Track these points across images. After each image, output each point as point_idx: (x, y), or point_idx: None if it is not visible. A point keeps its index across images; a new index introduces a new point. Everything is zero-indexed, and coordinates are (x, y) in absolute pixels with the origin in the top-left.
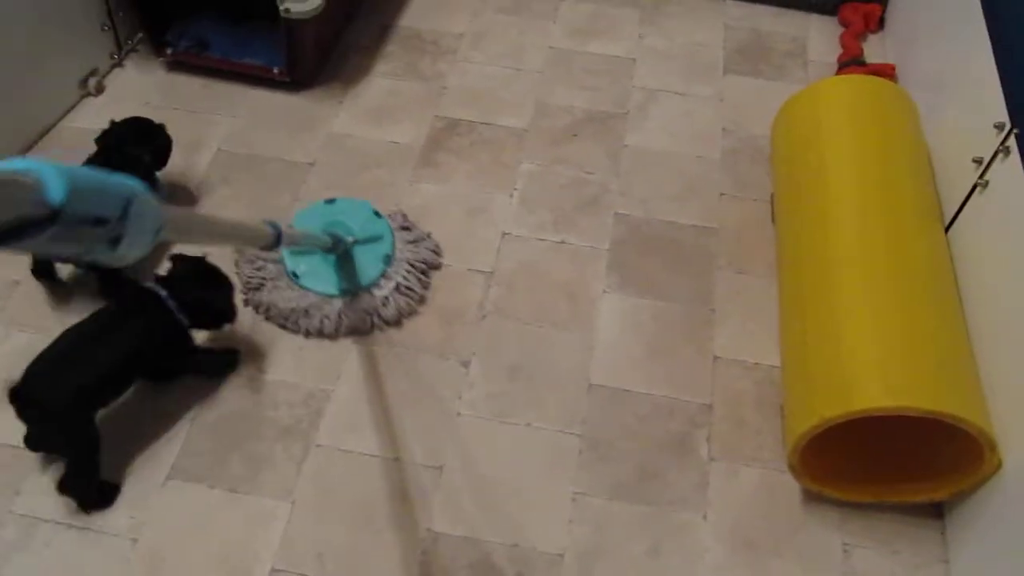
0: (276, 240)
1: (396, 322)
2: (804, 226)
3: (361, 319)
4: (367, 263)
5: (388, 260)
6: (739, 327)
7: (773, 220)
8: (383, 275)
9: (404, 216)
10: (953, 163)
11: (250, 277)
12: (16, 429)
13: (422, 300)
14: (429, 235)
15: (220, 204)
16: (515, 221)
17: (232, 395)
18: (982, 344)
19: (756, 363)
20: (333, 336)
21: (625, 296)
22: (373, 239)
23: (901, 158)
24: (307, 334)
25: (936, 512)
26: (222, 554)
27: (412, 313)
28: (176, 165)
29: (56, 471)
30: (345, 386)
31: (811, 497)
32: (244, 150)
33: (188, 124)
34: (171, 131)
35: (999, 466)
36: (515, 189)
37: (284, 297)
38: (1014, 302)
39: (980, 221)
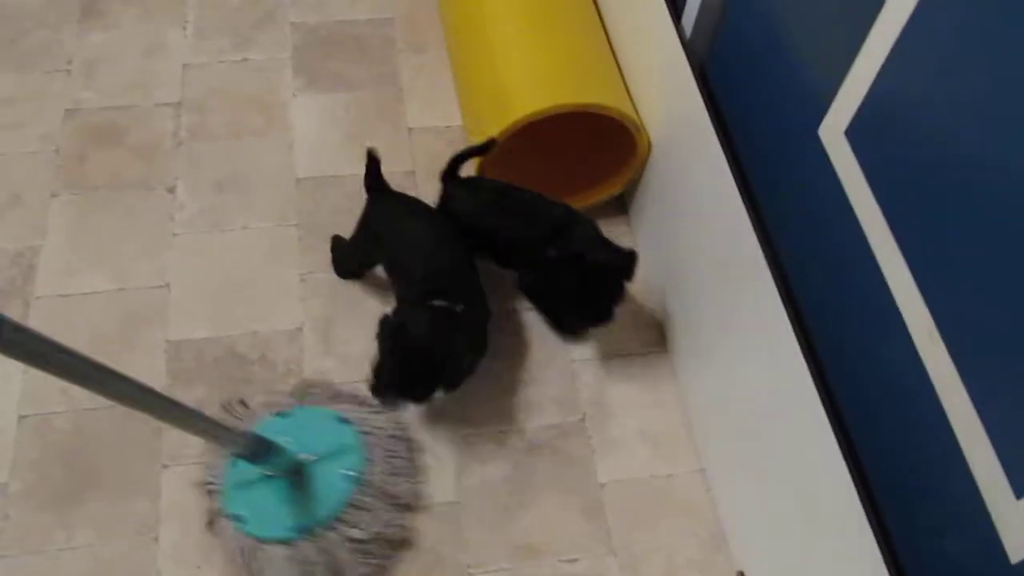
0: None
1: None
2: None
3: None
4: (328, 486)
5: (356, 480)
6: (426, 100)
7: None
8: (350, 502)
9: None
10: None
11: None
12: None
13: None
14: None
15: None
16: (193, 51)
17: None
18: (622, 48)
19: (447, 126)
20: None
21: (315, 95)
22: (336, 453)
23: None
24: None
25: (622, 208)
26: None
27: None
28: None
29: None
30: (54, 239)
31: None
32: None
33: None
34: None
35: (650, 148)
36: (187, 22)
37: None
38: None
39: None
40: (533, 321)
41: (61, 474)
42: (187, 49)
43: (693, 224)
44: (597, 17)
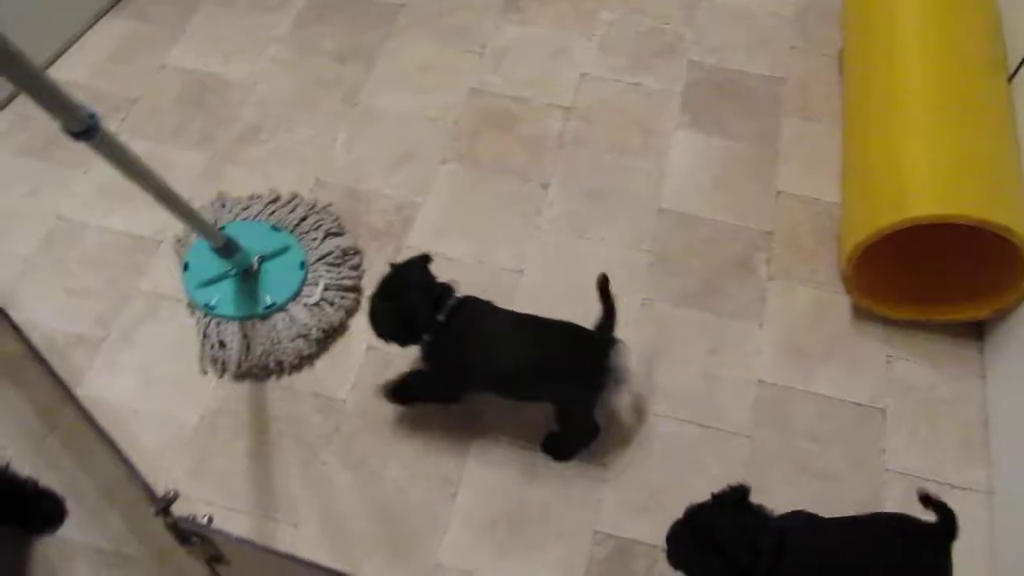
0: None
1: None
2: (871, 63)
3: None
4: (281, 277)
5: (304, 266)
6: (802, 167)
7: (841, 73)
8: (305, 283)
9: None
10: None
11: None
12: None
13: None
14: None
15: (315, 39)
16: (594, 63)
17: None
18: None
19: (816, 198)
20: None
21: (696, 134)
22: (280, 251)
23: (970, 9)
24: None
25: (976, 333)
26: None
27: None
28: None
29: None
30: (434, 200)
31: (860, 315)
32: None
33: None
34: None
35: None
36: (594, 35)
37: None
38: None
39: None
40: None
41: (388, 411)
42: (589, 60)
43: None
44: (1011, 118)
